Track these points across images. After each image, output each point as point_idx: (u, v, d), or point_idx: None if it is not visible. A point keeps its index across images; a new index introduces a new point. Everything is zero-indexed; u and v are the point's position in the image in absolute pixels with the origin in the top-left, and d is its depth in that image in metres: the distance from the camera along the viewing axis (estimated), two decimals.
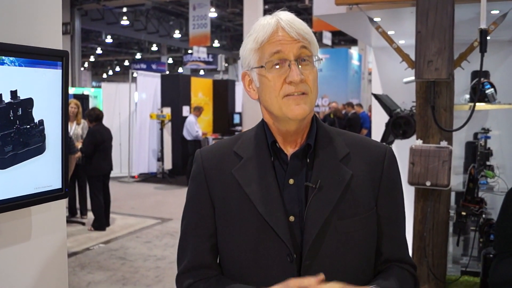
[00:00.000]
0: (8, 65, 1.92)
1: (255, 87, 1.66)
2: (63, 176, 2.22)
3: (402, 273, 1.69)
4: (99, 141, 8.71)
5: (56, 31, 2.30)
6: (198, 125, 14.21)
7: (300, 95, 1.55)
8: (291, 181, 1.63)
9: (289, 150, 1.66)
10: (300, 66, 1.56)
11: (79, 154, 8.83)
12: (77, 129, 9.22)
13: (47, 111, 2.12)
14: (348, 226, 1.60)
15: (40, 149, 2.11)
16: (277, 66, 1.57)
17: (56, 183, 2.19)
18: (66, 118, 2.21)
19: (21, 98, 2.00)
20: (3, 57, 1.90)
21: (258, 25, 1.61)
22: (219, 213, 1.68)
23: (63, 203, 2.39)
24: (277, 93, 1.56)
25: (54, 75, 2.13)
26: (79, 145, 8.88)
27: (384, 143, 1.89)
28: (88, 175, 8.87)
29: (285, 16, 1.59)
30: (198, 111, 14.30)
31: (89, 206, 9.42)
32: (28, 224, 2.23)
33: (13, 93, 1.96)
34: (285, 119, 1.59)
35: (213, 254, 1.71)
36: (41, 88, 2.08)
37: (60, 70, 2.15)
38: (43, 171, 2.13)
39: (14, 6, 2.08)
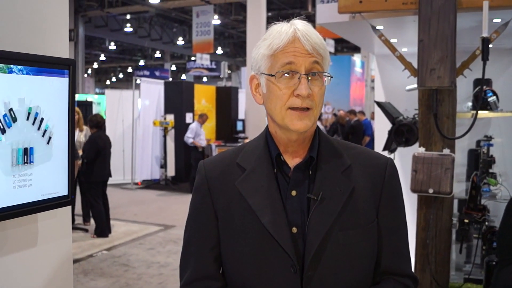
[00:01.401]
0: (16, 73, 1.95)
1: (261, 92, 1.67)
2: (69, 183, 2.25)
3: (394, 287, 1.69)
4: (101, 147, 8.75)
5: (63, 40, 2.33)
6: (202, 131, 14.27)
7: (305, 111, 1.56)
8: (293, 192, 1.64)
9: (292, 162, 1.67)
10: (310, 80, 1.57)
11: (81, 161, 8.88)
12: (80, 136, 9.25)
13: (54, 119, 2.14)
14: (349, 237, 1.61)
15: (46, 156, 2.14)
16: (287, 75, 1.57)
17: (62, 190, 2.21)
18: (72, 126, 2.23)
19: (29, 106, 2.03)
20: (12, 66, 1.93)
21: (274, 31, 1.60)
22: (223, 225, 1.69)
23: (69, 209, 2.41)
24: (283, 104, 1.57)
25: (61, 83, 2.15)
26: (81, 152, 8.92)
27: (386, 152, 1.90)
28: (89, 181, 8.89)
29: (302, 27, 1.58)
30: (201, 118, 14.33)
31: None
32: (35, 230, 2.25)
33: (21, 101, 1.99)
34: (286, 129, 1.61)
35: (217, 265, 1.72)
36: (48, 96, 2.10)
37: (67, 79, 2.18)
38: (49, 178, 2.16)
39: (22, 15, 2.11)
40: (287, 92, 1.57)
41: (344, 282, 1.61)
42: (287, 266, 1.58)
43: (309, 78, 1.57)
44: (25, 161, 2.03)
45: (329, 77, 1.62)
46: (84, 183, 9.26)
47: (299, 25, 1.59)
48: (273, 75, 1.59)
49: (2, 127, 1.92)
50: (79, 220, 9.54)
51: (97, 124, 8.92)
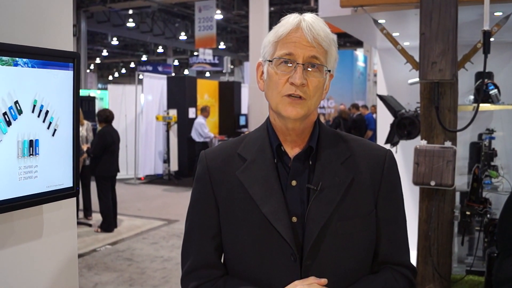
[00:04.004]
0: (22, 66, 1.97)
1: (264, 79, 1.70)
2: (74, 175, 2.27)
3: (393, 276, 1.71)
4: (109, 143, 8.76)
5: (67, 33, 2.35)
6: (207, 127, 14.35)
7: (298, 99, 1.59)
8: (293, 182, 1.67)
9: (292, 153, 1.69)
10: (309, 70, 1.59)
11: (84, 155, 8.89)
12: (81, 130, 9.26)
13: (59, 111, 2.16)
14: (348, 227, 1.64)
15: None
16: (285, 63, 1.60)
17: (67, 181, 2.24)
18: (77, 118, 2.25)
19: (34, 98, 2.05)
20: (17, 59, 1.94)
21: (284, 20, 1.64)
22: (224, 214, 1.71)
23: (74, 201, 2.43)
24: (279, 90, 1.61)
25: (65, 76, 2.17)
26: (84, 147, 8.93)
27: (388, 145, 1.92)
28: (97, 176, 8.90)
29: (309, 18, 1.62)
30: (206, 111, 14.41)
31: (94, 207, 9.48)
32: (40, 222, 2.27)
33: (26, 94, 2.01)
34: (281, 116, 1.64)
35: (218, 254, 1.75)
36: (53, 89, 2.12)
37: (72, 72, 2.20)
38: (54, 170, 2.18)
39: (26, 9, 2.13)
40: (283, 79, 1.60)
41: (342, 271, 1.64)
42: (287, 255, 1.61)
43: (307, 68, 1.59)
44: (31, 153, 2.05)
45: (328, 71, 1.64)
46: (87, 177, 9.31)
47: (308, 17, 1.63)
48: (271, 61, 1.62)
49: (8, 119, 1.94)
50: (80, 214, 9.57)
51: (106, 118, 8.90)
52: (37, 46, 2.08)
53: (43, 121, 2.10)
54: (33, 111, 2.05)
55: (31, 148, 2.05)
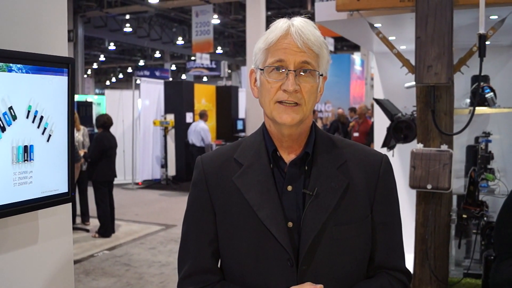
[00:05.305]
0: (16, 72, 1.97)
1: (257, 86, 1.69)
2: (69, 180, 2.26)
3: (389, 281, 1.71)
4: (106, 147, 8.76)
5: (62, 38, 2.35)
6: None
7: (292, 106, 1.59)
8: (289, 188, 1.66)
9: (288, 158, 1.69)
10: (302, 74, 1.59)
11: (82, 161, 8.88)
12: (78, 136, 9.26)
13: (53, 117, 2.16)
14: (343, 232, 1.64)
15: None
16: (277, 70, 1.59)
17: (62, 187, 2.23)
18: (72, 124, 2.25)
19: (29, 104, 2.05)
20: (11, 64, 1.94)
21: (273, 25, 1.63)
22: (220, 219, 1.71)
23: (69, 207, 2.43)
24: (271, 98, 1.60)
25: (60, 81, 2.17)
26: (81, 152, 8.92)
27: (385, 149, 1.91)
28: (94, 181, 8.88)
29: (298, 23, 1.60)
30: (206, 116, 14.51)
31: (92, 212, 9.47)
32: (35, 227, 2.27)
33: (21, 99, 2.01)
34: (276, 123, 1.63)
35: (214, 259, 1.74)
36: (48, 95, 2.12)
37: (66, 77, 2.20)
38: (49, 175, 2.18)
39: (21, 14, 2.13)
40: (276, 86, 1.59)
41: (338, 276, 1.64)
42: (284, 260, 1.61)
43: (300, 73, 1.59)
44: (25, 158, 2.05)
45: (321, 77, 1.64)
46: (84, 182, 9.29)
47: (296, 21, 1.61)
48: (262, 69, 1.62)
49: (2, 125, 1.93)
50: (78, 220, 9.58)
51: (104, 124, 8.91)
52: (31, 52, 2.08)
53: (38, 127, 2.10)
54: (27, 117, 2.05)
55: (25, 154, 2.05)
